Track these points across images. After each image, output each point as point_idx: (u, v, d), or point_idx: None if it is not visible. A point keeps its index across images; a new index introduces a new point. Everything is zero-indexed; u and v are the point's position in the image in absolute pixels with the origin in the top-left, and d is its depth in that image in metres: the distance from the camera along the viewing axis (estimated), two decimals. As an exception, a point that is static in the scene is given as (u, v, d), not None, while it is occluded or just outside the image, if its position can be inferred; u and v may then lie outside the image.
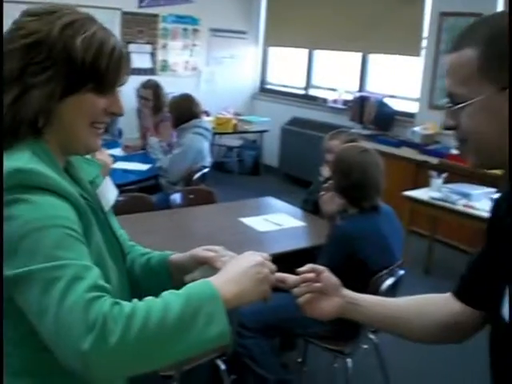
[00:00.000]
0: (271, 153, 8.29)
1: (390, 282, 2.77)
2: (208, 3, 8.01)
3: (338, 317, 1.44)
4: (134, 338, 1.00)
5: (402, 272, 2.90)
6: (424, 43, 6.58)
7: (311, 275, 1.39)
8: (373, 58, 7.44)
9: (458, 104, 1.11)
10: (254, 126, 8.00)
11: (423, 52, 6.60)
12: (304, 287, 1.39)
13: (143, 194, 3.86)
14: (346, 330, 2.85)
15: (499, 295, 1.15)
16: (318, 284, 1.39)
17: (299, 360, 3.44)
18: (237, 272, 1.20)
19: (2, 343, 1.04)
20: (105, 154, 2.85)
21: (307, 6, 7.90)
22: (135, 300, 1.07)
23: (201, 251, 1.44)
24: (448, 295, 1.41)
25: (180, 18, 8.01)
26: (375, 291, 2.72)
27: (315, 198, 3.58)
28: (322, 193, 3.02)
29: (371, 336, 3.08)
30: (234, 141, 8.28)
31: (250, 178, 8.18)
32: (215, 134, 7.55)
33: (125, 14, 7.50)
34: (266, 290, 1.23)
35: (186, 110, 4.64)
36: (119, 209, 3.33)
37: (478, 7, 5.87)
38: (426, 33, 6.55)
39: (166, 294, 1.10)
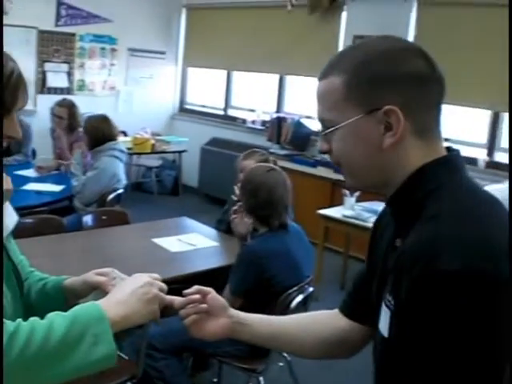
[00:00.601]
0: (191, 173, 8.28)
1: (299, 299, 2.81)
2: (126, 23, 7.97)
3: (227, 337, 1.45)
4: (15, 356, 0.99)
5: (311, 289, 2.95)
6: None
7: (196, 297, 1.39)
8: (290, 79, 7.58)
9: (329, 128, 1.15)
10: (172, 146, 7.97)
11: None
12: (190, 308, 1.39)
13: (53, 215, 3.77)
14: (257, 348, 2.87)
15: (377, 310, 1.17)
16: (203, 305, 1.40)
17: (215, 380, 3.44)
18: (125, 293, 1.22)
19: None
20: (5, 180, 2.78)
21: (226, 28, 8.00)
22: (19, 320, 1.06)
23: (92, 276, 1.44)
24: (336, 311, 1.45)
25: (97, 37, 7.92)
26: (285, 309, 2.77)
27: (228, 217, 3.61)
28: (234, 216, 3.05)
29: (285, 354, 3.12)
30: (152, 161, 8.23)
31: (170, 199, 8.13)
32: (133, 154, 7.52)
33: (41, 32, 7.36)
34: (155, 310, 1.25)
35: (101, 133, 4.57)
36: (27, 231, 3.32)
37: (390, 31, 6.08)
38: (339, 55, 6.73)
39: (51, 314, 1.10)
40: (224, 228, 3.68)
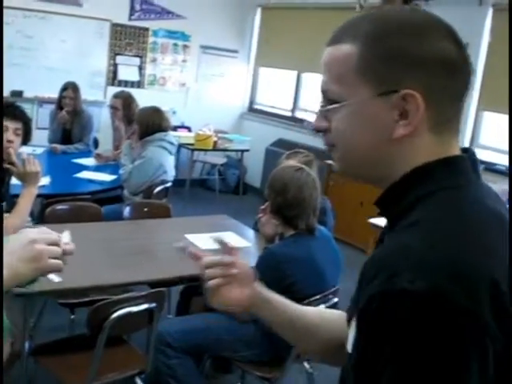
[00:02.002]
0: (255, 173, 8.24)
1: (322, 308, 2.68)
2: (200, 20, 8.01)
3: (245, 310, 1.31)
4: None
5: (335, 299, 2.81)
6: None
7: (229, 259, 1.24)
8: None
9: (332, 102, 0.97)
10: (235, 145, 7.94)
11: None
12: (219, 269, 1.23)
13: (92, 203, 3.78)
14: (275, 354, 2.77)
15: None
16: (234, 270, 1.23)
17: (238, 384, 3.35)
18: (7, 255, 1.16)
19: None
20: (34, 164, 2.83)
21: (298, 28, 7.91)
22: None
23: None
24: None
25: (171, 33, 8.00)
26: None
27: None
28: (260, 215, 2.95)
29: (306, 365, 3.00)
30: (217, 158, 8.23)
31: (231, 197, 8.11)
32: (194, 149, 7.55)
33: (114, 25, 7.50)
34: (39, 267, 1.17)
35: (151, 123, 4.57)
36: (62, 217, 3.33)
37: (463, 37, 5.84)
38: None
39: None
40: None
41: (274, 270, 2.63)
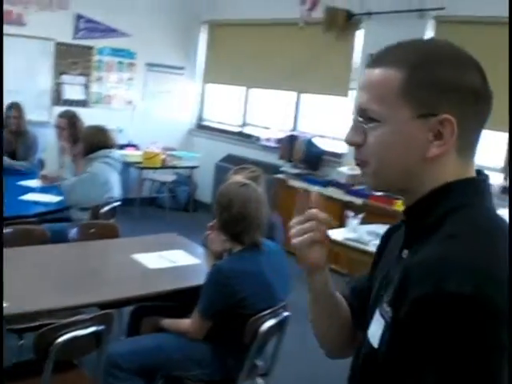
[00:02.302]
0: (205, 189, 8.22)
1: (271, 323, 2.68)
2: (145, 37, 7.98)
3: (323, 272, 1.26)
4: None
5: (286, 313, 2.81)
6: (352, 84, 6.65)
7: (326, 216, 1.21)
8: (305, 98, 7.49)
9: (371, 121, 1.07)
10: (184, 162, 7.92)
11: (353, 93, 6.67)
12: (315, 224, 1.19)
13: (36, 226, 3.70)
14: (224, 374, 2.75)
15: (370, 317, 1.14)
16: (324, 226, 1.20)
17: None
18: None
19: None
20: None
21: (245, 45, 7.97)
22: None
23: None
24: None
25: (116, 51, 7.94)
26: (254, 332, 2.64)
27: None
28: (208, 232, 2.94)
29: (259, 381, 2.98)
30: (166, 176, 8.17)
31: (181, 214, 8.06)
32: (143, 168, 7.50)
33: (59, 44, 7.41)
34: None
35: (97, 141, 4.52)
36: (8, 241, 3.25)
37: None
38: (354, 74, 6.64)
39: None
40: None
41: (223, 286, 2.62)
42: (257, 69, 7.77)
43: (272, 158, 7.27)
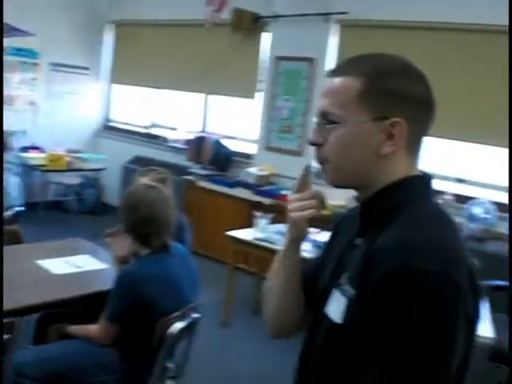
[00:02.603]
0: (113, 191, 8.07)
1: (180, 325, 2.67)
2: (49, 37, 7.72)
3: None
4: None
5: (196, 315, 2.80)
6: (260, 86, 6.72)
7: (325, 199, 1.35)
8: (215, 99, 7.51)
9: (332, 123, 1.21)
10: (90, 164, 7.76)
11: (260, 94, 6.74)
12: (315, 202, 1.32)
13: None
14: (134, 380, 2.71)
15: (325, 298, 1.26)
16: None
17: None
18: None
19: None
20: None
21: (152, 45, 7.89)
22: None
23: None
24: None
25: (18, 51, 7.65)
26: (163, 334, 2.62)
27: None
28: (109, 239, 2.90)
29: (170, 383, 2.96)
30: (72, 179, 7.95)
31: (88, 218, 7.87)
32: (47, 171, 7.28)
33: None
34: None
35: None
36: None
37: (312, 52, 6.12)
38: (261, 76, 6.70)
39: None
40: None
41: (132, 290, 2.59)
42: (164, 70, 7.71)
43: (180, 160, 7.24)
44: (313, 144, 1.26)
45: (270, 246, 4.53)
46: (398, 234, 1.13)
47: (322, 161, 1.26)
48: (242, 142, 7.09)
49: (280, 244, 4.26)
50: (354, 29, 5.95)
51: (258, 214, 4.89)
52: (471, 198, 5.15)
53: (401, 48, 5.03)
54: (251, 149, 6.90)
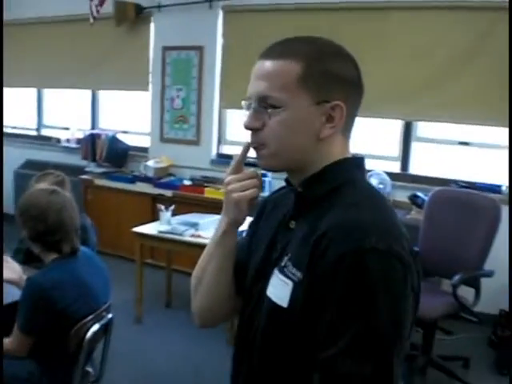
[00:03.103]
0: (5, 199, 7.73)
1: (95, 328, 2.63)
2: None
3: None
4: None
5: (110, 316, 2.77)
6: (150, 78, 6.64)
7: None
8: (103, 94, 7.35)
9: (271, 107, 1.19)
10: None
11: (150, 86, 6.66)
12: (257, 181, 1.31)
13: None
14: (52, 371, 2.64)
15: (258, 284, 1.28)
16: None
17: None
18: None
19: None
20: None
21: (33, 44, 7.58)
22: None
23: None
24: None
25: None
26: (80, 340, 2.57)
27: (26, 245, 3.35)
28: None
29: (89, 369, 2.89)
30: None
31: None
32: None
33: None
34: None
35: None
36: None
37: (198, 41, 6.10)
38: (151, 67, 6.63)
39: None
40: (21, 258, 3.39)
41: (42, 299, 2.51)
42: (51, 69, 7.39)
43: (75, 159, 7.05)
44: (249, 129, 1.23)
45: (176, 237, 4.52)
46: (344, 216, 1.14)
47: (258, 145, 1.24)
48: (137, 136, 6.99)
49: (187, 235, 4.25)
50: (238, 14, 5.98)
51: (159, 206, 4.87)
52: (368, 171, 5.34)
53: (287, 30, 5.14)
54: (147, 142, 6.82)
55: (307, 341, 1.13)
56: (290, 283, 1.18)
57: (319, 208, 1.20)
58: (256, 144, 1.24)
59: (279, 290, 1.20)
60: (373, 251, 1.08)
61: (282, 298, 1.19)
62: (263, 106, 1.20)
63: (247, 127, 1.24)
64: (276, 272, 1.22)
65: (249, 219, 1.42)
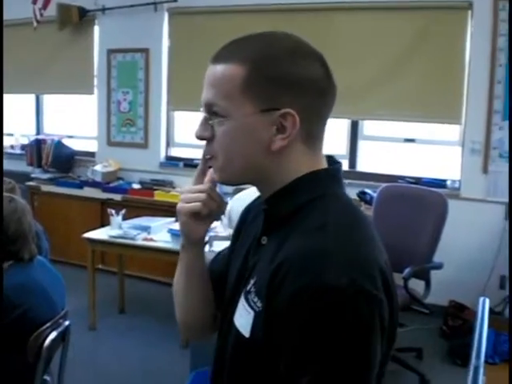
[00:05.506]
0: None
1: (53, 336, 2.58)
2: None
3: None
4: None
5: (67, 323, 2.73)
6: (95, 81, 6.56)
7: (219, 196, 1.23)
8: (47, 99, 7.22)
9: (217, 116, 1.08)
10: None
11: (96, 90, 6.58)
12: (205, 196, 1.20)
13: None
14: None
15: (233, 302, 1.16)
16: (215, 203, 1.22)
17: None
18: None
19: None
20: None
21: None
22: None
23: None
24: None
25: None
26: (38, 349, 2.53)
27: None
28: None
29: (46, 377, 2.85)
30: None
31: None
32: None
33: None
34: None
35: None
36: None
37: (144, 43, 6.07)
38: (96, 71, 6.55)
39: None
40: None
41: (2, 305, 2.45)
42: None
43: (20, 166, 6.86)
44: (198, 138, 1.13)
45: (128, 241, 4.49)
46: (304, 243, 1.02)
47: (210, 157, 1.14)
48: (84, 140, 6.89)
49: (139, 239, 4.25)
50: (184, 16, 5.97)
51: (110, 211, 4.82)
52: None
53: (233, 32, 5.17)
54: (94, 146, 6.73)
55: (271, 371, 1.03)
56: (252, 313, 1.08)
57: (286, 226, 1.09)
58: (208, 155, 1.15)
59: (243, 318, 1.11)
60: (332, 288, 0.95)
61: (244, 326, 1.10)
62: (210, 114, 1.10)
63: (196, 137, 1.14)
64: (242, 298, 1.13)
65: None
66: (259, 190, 1.19)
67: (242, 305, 1.12)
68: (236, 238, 1.34)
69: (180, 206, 1.21)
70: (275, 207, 1.14)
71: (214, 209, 1.21)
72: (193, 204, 1.19)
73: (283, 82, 1.06)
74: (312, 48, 1.11)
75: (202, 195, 1.19)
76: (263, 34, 1.12)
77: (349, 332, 0.96)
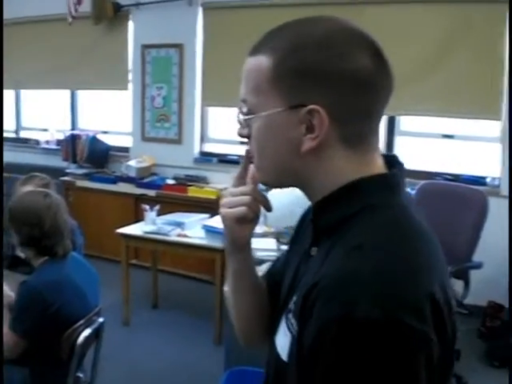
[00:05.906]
0: (-15, 202, 7.62)
1: (87, 332, 2.57)
2: None
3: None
4: None
5: (100, 320, 2.72)
6: (130, 76, 6.57)
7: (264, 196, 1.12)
8: (82, 94, 7.25)
9: (249, 112, 1.00)
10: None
11: (130, 85, 6.59)
12: (252, 200, 1.10)
13: None
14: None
15: (279, 317, 1.07)
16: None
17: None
18: None
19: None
20: None
21: (11, 47, 7.41)
22: None
23: None
24: None
25: None
26: (72, 345, 2.52)
27: (10, 252, 3.30)
28: None
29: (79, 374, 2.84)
30: None
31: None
32: None
33: None
34: None
35: None
36: None
37: (178, 38, 6.04)
38: (130, 66, 6.55)
39: None
40: (5, 264, 3.32)
41: (39, 302, 2.43)
42: (27, 70, 7.26)
43: (55, 161, 6.92)
44: (241, 136, 1.05)
45: (161, 237, 4.48)
46: (341, 263, 0.89)
47: (250, 156, 1.06)
48: (118, 136, 6.91)
49: (173, 235, 4.24)
50: (218, 11, 5.93)
51: (144, 206, 4.81)
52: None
53: (267, 26, 5.11)
54: (128, 142, 6.74)
55: None
56: (289, 335, 0.99)
57: (333, 236, 0.97)
58: (250, 153, 1.06)
59: (282, 340, 1.02)
60: (361, 322, 0.82)
61: (283, 349, 1.01)
62: (243, 111, 1.02)
63: (237, 134, 1.06)
64: (283, 318, 1.03)
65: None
66: (305, 195, 1.06)
67: (282, 327, 1.03)
68: (291, 247, 1.25)
69: (224, 211, 1.11)
70: (321, 218, 1.03)
71: (258, 210, 1.12)
72: (238, 209, 1.09)
73: (310, 73, 0.93)
74: (360, 35, 0.97)
75: (246, 198, 1.09)
76: (301, 21, 0.99)
77: (381, 376, 0.82)
